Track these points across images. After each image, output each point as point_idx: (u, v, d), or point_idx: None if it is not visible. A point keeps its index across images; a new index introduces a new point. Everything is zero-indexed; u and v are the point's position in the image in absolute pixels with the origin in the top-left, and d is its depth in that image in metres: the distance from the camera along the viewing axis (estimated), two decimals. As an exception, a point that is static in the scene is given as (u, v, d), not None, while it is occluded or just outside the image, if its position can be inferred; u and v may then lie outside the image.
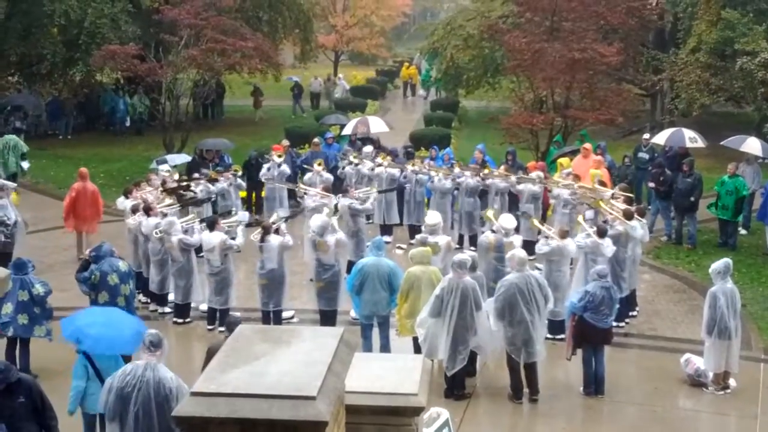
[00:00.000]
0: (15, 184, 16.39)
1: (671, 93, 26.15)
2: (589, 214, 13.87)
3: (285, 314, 12.39)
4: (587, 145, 17.98)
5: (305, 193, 15.62)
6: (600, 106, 21.08)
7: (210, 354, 8.64)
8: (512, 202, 15.88)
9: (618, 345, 11.67)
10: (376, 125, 21.39)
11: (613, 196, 14.00)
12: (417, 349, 10.54)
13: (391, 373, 5.96)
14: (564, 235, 12.13)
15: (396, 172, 16.87)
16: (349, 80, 40.41)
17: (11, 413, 7.13)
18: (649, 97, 29.41)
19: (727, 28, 23.10)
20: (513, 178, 15.74)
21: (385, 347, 11.19)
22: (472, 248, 14.30)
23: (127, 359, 8.43)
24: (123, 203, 14.41)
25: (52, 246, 16.60)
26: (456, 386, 10.33)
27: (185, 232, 12.89)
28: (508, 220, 12.48)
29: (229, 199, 16.47)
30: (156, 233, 12.75)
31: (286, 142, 20.00)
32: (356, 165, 17.21)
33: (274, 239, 12.00)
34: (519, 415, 10.20)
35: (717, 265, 10.64)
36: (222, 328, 11.12)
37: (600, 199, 13.83)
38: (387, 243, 14.61)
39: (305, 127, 26.08)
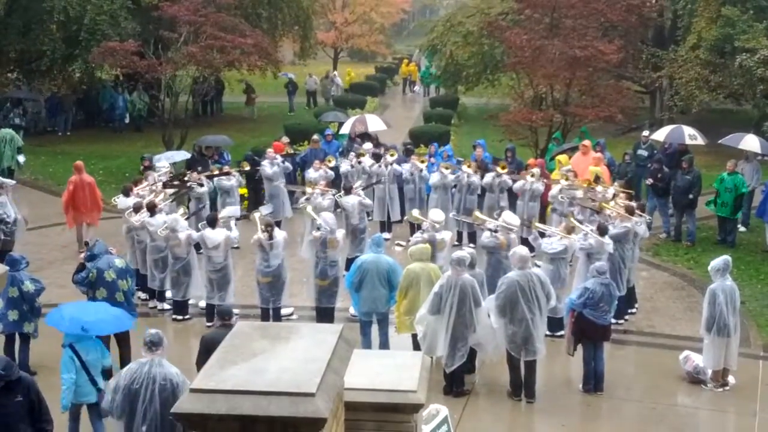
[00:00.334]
0: (14, 182, 16.35)
1: (671, 90, 26.16)
2: (577, 210, 13.91)
3: (284, 311, 12.40)
4: (586, 142, 17.96)
5: (311, 194, 15.56)
6: (599, 103, 21.03)
7: (204, 343, 8.67)
8: (512, 203, 15.87)
9: (617, 342, 11.69)
10: (374, 123, 21.34)
11: (614, 196, 13.99)
12: (416, 346, 10.53)
13: (390, 370, 5.97)
14: (570, 231, 12.14)
15: (403, 169, 16.85)
16: (343, 77, 40.29)
17: (7, 412, 7.06)
18: (649, 94, 29.41)
19: (727, 25, 23.11)
20: (489, 176, 15.73)
21: (384, 344, 11.18)
22: (471, 245, 14.30)
23: (105, 342, 8.96)
24: (124, 202, 14.23)
25: (52, 243, 16.59)
26: (455, 383, 10.33)
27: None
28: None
29: (233, 196, 16.42)
30: (161, 231, 12.73)
31: (286, 139, 19.99)
32: (359, 162, 17.20)
33: (278, 234, 12.03)
34: (518, 412, 10.19)
35: (716, 262, 10.63)
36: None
37: (603, 202, 13.78)
38: (386, 240, 14.64)
39: (304, 124, 26.08)
